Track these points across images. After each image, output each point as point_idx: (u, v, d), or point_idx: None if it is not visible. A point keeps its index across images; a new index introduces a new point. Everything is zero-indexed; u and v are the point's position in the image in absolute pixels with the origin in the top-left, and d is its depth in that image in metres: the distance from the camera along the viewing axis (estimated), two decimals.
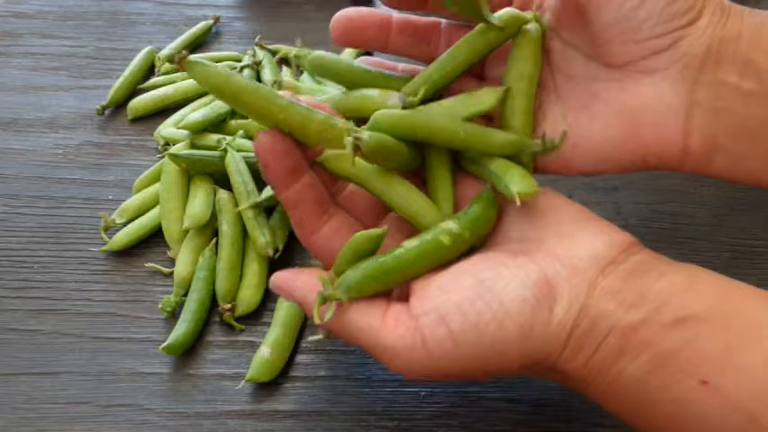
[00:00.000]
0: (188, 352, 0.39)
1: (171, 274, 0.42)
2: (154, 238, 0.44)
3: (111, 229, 0.44)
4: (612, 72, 0.29)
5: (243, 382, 0.37)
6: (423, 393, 0.37)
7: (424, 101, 0.33)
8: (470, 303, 0.27)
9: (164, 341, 0.38)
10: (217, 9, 0.63)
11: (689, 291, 0.26)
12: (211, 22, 0.60)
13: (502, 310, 0.27)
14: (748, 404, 0.24)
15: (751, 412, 0.24)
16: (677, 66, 0.27)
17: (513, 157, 0.32)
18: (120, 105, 0.53)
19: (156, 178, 0.46)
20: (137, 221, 0.44)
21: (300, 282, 0.31)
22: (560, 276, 0.27)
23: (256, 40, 0.56)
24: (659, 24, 0.27)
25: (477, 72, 0.36)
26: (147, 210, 0.45)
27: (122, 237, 0.43)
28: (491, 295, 0.27)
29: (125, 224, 0.44)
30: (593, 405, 0.37)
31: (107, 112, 0.52)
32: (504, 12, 0.32)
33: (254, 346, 0.39)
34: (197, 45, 0.59)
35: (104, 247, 0.43)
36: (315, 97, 0.35)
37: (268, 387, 0.37)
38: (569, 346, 0.27)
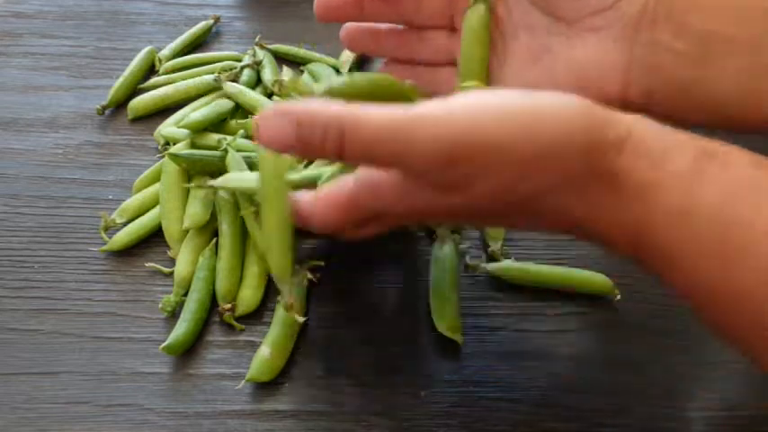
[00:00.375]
0: (188, 352, 0.39)
1: (171, 273, 0.41)
2: (154, 238, 0.44)
3: (111, 229, 0.44)
4: (563, 27, 0.31)
5: (243, 381, 0.37)
6: (423, 393, 0.37)
7: None
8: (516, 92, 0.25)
9: (164, 341, 0.38)
10: (217, 9, 0.63)
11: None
12: (211, 21, 0.60)
13: (549, 96, 0.25)
14: None
15: None
16: (618, 24, 0.29)
17: None
18: (120, 105, 0.52)
19: (156, 178, 0.46)
20: (137, 221, 0.44)
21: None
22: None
23: (256, 39, 0.56)
24: None
25: (447, 24, 0.37)
26: (148, 209, 0.45)
27: (122, 236, 0.43)
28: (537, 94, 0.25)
29: (125, 224, 0.44)
30: (594, 405, 0.37)
31: (107, 111, 0.52)
32: None
33: (255, 346, 0.39)
34: (197, 45, 0.59)
35: (104, 247, 0.43)
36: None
37: (268, 387, 0.37)
38: (630, 142, 0.25)
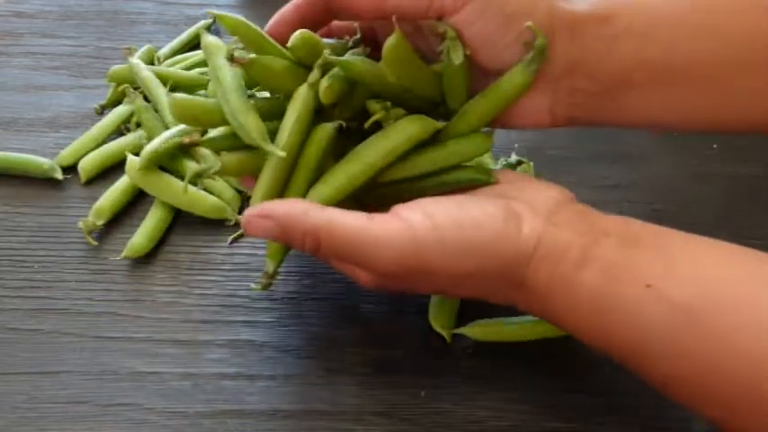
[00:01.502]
0: (188, 351, 0.39)
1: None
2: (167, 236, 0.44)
3: (93, 232, 0.43)
4: (491, 77, 0.36)
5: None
6: (423, 393, 0.37)
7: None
8: (453, 210, 0.32)
9: (164, 340, 0.38)
10: (217, 8, 0.62)
11: (629, 225, 0.33)
12: (210, 21, 0.60)
13: (479, 217, 0.32)
14: (687, 303, 0.29)
15: (689, 310, 0.29)
16: (543, 79, 0.35)
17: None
18: (118, 104, 0.52)
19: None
20: (148, 222, 0.44)
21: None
22: (523, 209, 0.33)
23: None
24: (509, 47, 0.34)
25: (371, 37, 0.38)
26: (122, 206, 0.45)
27: (141, 241, 0.43)
28: (469, 206, 0.32)
29: (105, 224, 0.44)
30: (594, 405, 0.37)
31: (106, 111, 0.52)
32: None
33: (255, 345, 0.39)
34: (196, 44, 0.59)
35: (124, 253, 0.42)
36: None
37: (268, 387, 0.37)
38: (535, 258, 0.31)
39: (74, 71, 0.56)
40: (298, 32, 0.35)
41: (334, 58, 0.34)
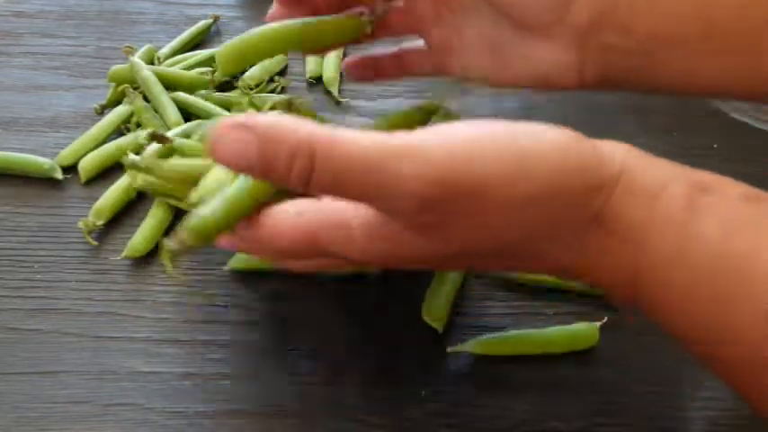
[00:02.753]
0: (188, 352, 0.39)
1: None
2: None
3: (93, 232, 0.43)
4: (517, 30, 0.33)
5: None
6: (423, 393, 0.37)
7: None
8: (499, 125, 0.23)
9: (164, 340, 0.38)
10: (217, 8, 0.63)
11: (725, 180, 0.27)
12: (211, 21, 0.60)
13: (536, 130, 0.24)
14: None
15: None
16: (569, 33, 0.32)
17: None
18: (118, 105, 0.52)
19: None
20: (148, 222, 0.44)
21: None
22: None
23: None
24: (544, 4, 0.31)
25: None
26: (122, 206, 0.45)
27: (141, 241, 0.43)
28: (514, 125, 0.24)
29: (106, 224, 0.44)
30: (595, 405, 0.37)
31: (106, 111, 0.52)
32: None
33: (255, 346, 0.39)
34: (196, 44, 0.59)
35: (125, 253, 0.42)
36: None
37: (268, 387, 0.37)
38: (621, 186, 0.24)
39: (74, 71, 0.56)
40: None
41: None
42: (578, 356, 0.39)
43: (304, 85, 0.56)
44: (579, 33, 0.31)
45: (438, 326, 0.39)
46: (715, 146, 0.54)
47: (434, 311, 0.39)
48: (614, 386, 0.38)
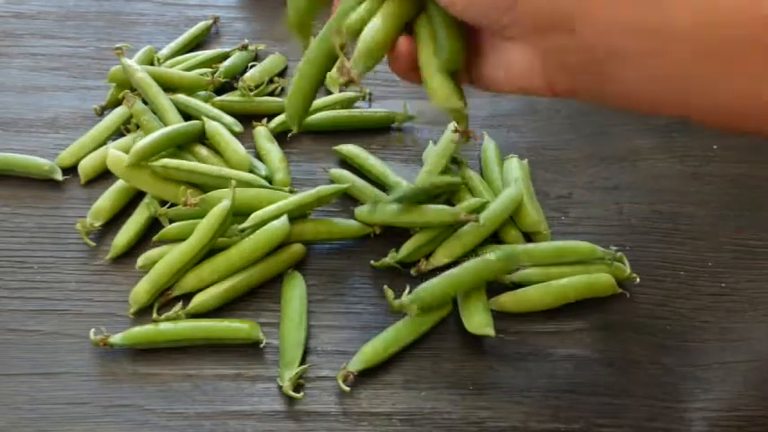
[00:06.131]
0: (188, 352, 0.39)
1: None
2: (151, 234, 0.44)
3: (91, 233, 0.43)
4: (488, 35, 0.34)
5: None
6: (423, 393, 0.37)
7: None
8: None
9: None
10: (217, 9, 0.63)
11: None
12: (210, 21, 0.60)
13: None
14: None
15: None
16: (524, 32, 0.31)
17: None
18: (118, 105, 0.52)
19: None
20: (132, 220, 0.44)
21: None
22: None
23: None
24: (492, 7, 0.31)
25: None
26: (121, 207, 0.45)
27: (122, 240, 0.43)
28: None
29: (105, 225, 0.44)
30: (594, 405, 0.37)
31: (106, 112, 0.52)
32: None
33: (255, 346, 0.39)
34: (196, 45, 0.59)
35: (109, 256, 0.43)
36: None
37: (268, 388, 0.37)
38: None
39: (74, 72, 0.56)
40: None
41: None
42: (578, 357, 0.39)
43: None
44: (533, 32, 0.31)
45: (490, 332, 0.38)
46: (715, 146, 0.54)
47: (478, 320, 0.39)
48: (614, 387, 0.38)
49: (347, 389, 0.36)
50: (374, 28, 0.32)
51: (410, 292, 0.39)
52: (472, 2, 0.31)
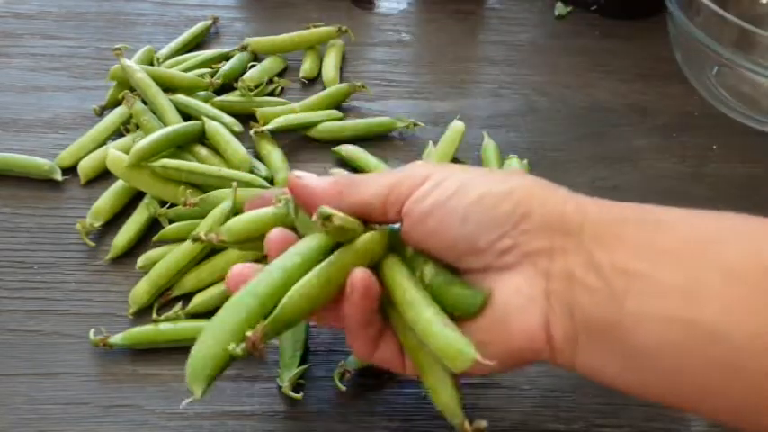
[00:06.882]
0: (187, 351, 0.38)
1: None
2: (151, 234, 0.44)
3: (90, 233, 0.43)
4: (476, 274, 0.30)
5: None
6: (423, 393, 0.37)
7: None
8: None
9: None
10: (217, 9, 0.63)
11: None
12: (210, 22, 0.60)
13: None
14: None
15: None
16: (528, 260, 0.28)
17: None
18: (117, 106, 0.52)
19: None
20: (132, 220, 0.44)
21: None
22: None
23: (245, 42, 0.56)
24: (491, 231, 0.28)
25: None
26: (121, 207, 0.45)
27: (122, 240, 0.43)
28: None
29: (105, 225, 0.44)
30: (594, 405, 0.37)
31: (105, 112, 0.52)
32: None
33: None
34: (196, 45, 0.59)
35: (109, 256, 0.43)
36: None
37: (267, 388, 0.37)
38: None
39: (73, 72, 0.56)
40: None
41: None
42: None
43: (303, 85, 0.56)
44: (541, 259, 0.28)
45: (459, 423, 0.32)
46: (715, 147, 0.54)
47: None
48: None
49: (343, 387, 0.36)
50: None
51: None
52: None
